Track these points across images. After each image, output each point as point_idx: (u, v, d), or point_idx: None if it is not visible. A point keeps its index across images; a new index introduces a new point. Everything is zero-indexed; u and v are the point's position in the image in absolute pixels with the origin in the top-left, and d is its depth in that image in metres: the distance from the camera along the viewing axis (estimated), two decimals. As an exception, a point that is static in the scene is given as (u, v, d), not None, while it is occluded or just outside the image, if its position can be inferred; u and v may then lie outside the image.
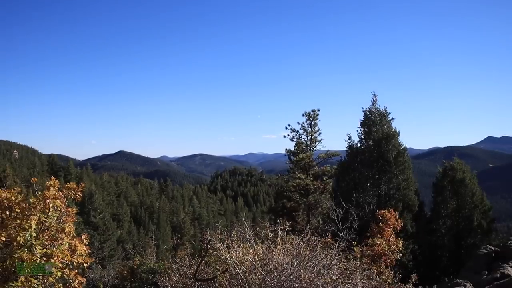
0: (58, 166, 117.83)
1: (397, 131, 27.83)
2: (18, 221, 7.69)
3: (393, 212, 16.86)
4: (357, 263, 10.45)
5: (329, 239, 12.37)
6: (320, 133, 30.32)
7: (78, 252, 7.93)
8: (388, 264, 14.26)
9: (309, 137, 30.25)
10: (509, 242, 17.92)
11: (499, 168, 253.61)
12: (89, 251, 8.29)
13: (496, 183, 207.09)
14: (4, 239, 7.53)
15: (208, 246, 10.77)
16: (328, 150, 30.64)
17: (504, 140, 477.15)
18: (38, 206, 7.77)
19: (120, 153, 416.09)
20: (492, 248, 18.34)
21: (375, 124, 27.90)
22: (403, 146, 27.68)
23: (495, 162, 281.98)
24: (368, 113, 28.54)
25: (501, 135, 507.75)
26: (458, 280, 15.00)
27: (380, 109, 28.64)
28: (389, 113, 28.52)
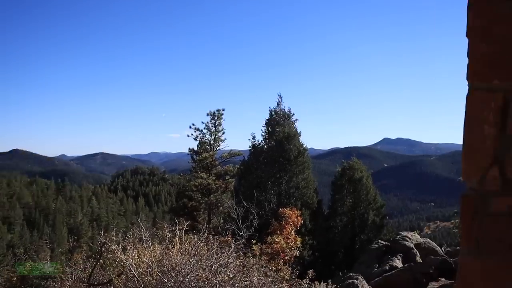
0: None
1: (298, 131, 28.96)
2: None
3: (295, 210, 17.31)
4: (256, 261, 10.57)
5: (228, 238, 12.42)
6: (224, 133, 30.57)
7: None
8: (287, 260, 14.59)
9: (212, 137, 30.32)
10: (398, 237, 19.08)
11: (394, 167, 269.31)
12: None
13: (390, 181, 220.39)
14: None
15: (103, 249, 10.39)
16: (231, 150, 30.91)
17: (398, 141, 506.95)
18: None
19: (14, 152, 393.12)
20: (383, 242, 19.47)
21: (279, 124, 28.59)
22: (303, 146, 28.69)
23: (389, 162, 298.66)
24: (273, 113, 29.34)
25: (396, 137, 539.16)
26: (351, 274, 15.72)
27: (284, 109, 29.62)
28: (293, 114, 29.63)
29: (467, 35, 2.08)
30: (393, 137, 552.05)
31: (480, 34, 2.06)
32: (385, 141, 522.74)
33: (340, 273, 19.43)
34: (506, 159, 1.95)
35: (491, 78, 2.01)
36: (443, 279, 14.31)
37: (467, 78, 2.06)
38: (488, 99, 2.01)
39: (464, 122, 2.07)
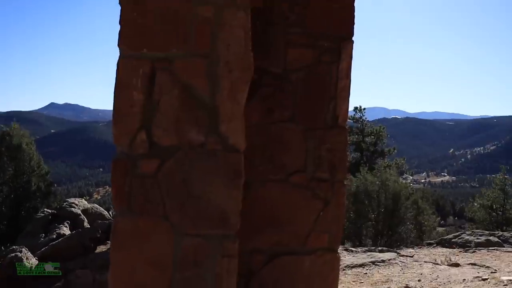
0: None
1: None
2: None
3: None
4: None
5: None
6: None
7: None
8: None
9: None
10: (65, 204, 18.97)
11: (61, 133, 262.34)
12: None
13: (57, 148, 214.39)
14: None
15: None
16: None
17: (66, 107, 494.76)
18: None
19: None
20: (49, 211, 19.07)
21: None
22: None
23: (57, 128, 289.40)
24: None
25: (63, 102, 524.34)
26: (14, 247, 14.95)
27: None
28: None
29: (120, 3, 2.15)
30: (61, 102, 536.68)
31: (133, 3, 2.15)
32: (52, 105, 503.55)
33: (3, 247, 18.29)
34: (152, 124, 2.13)
35: (141, 47, 2.15)
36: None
37: (118, 45, 2.14)
38: (137, 67, 2.14)
39: (115, 87, 2.15)
